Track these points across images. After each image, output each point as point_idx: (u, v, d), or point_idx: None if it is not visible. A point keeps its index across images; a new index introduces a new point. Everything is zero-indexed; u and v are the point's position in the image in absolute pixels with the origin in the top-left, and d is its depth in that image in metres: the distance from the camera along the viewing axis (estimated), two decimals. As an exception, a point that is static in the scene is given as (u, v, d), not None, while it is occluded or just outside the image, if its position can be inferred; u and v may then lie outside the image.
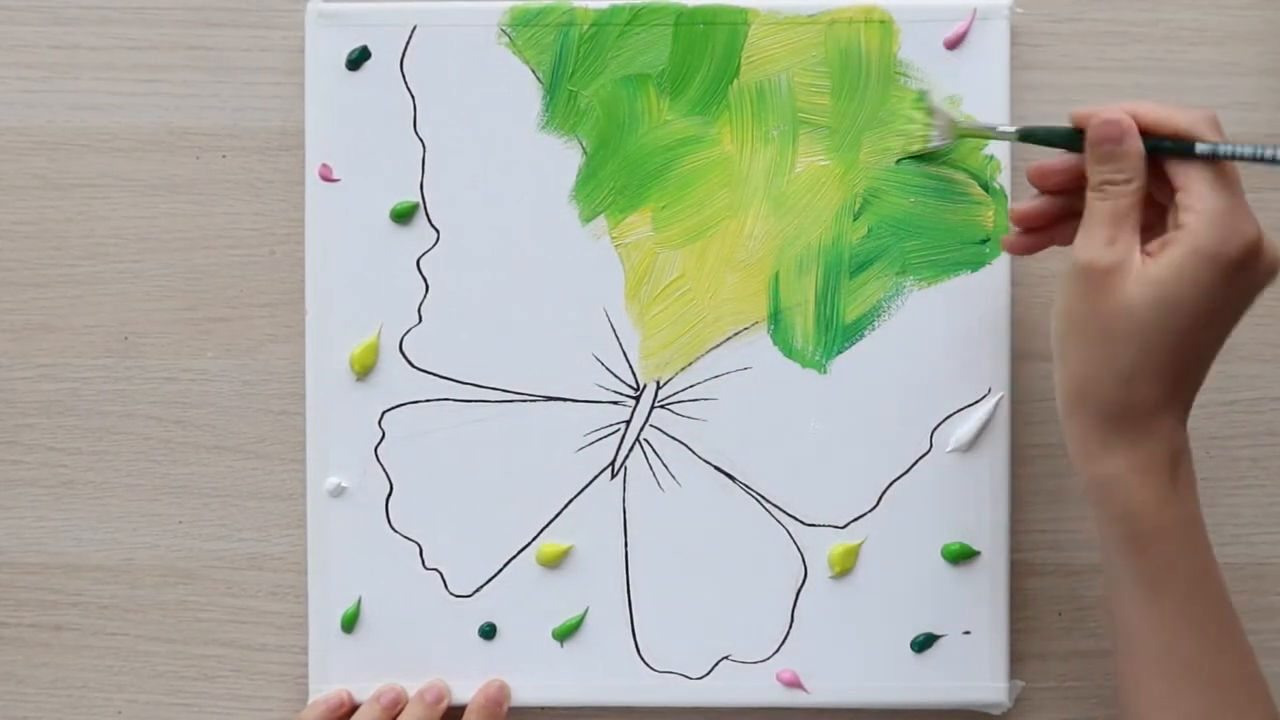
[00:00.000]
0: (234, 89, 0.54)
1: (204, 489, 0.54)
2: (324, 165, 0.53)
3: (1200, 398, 0.53)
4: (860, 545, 0.53)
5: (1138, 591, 0.43)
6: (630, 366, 0.53)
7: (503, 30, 0.53)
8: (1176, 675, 0.43)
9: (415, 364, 0.53)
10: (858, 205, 0.53)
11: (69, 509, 0.54)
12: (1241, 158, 0.42)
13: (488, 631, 0.53)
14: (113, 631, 0.55)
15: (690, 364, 0.53)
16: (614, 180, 0.53)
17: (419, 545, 0.53)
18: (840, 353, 0.53)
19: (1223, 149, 0.42)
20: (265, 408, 0.54)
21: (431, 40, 0.53)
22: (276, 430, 0.54)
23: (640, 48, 0.53)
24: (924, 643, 0.53)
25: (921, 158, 0.52)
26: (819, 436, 0.53)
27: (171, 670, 0.54)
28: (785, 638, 0.53)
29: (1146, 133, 0.43)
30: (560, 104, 0.53)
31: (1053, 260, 0.54)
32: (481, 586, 0.53)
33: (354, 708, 0.53)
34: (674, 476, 0.53)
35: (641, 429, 0.53)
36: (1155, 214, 0.44)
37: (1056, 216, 0.47)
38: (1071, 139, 0.44)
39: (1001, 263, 0.53)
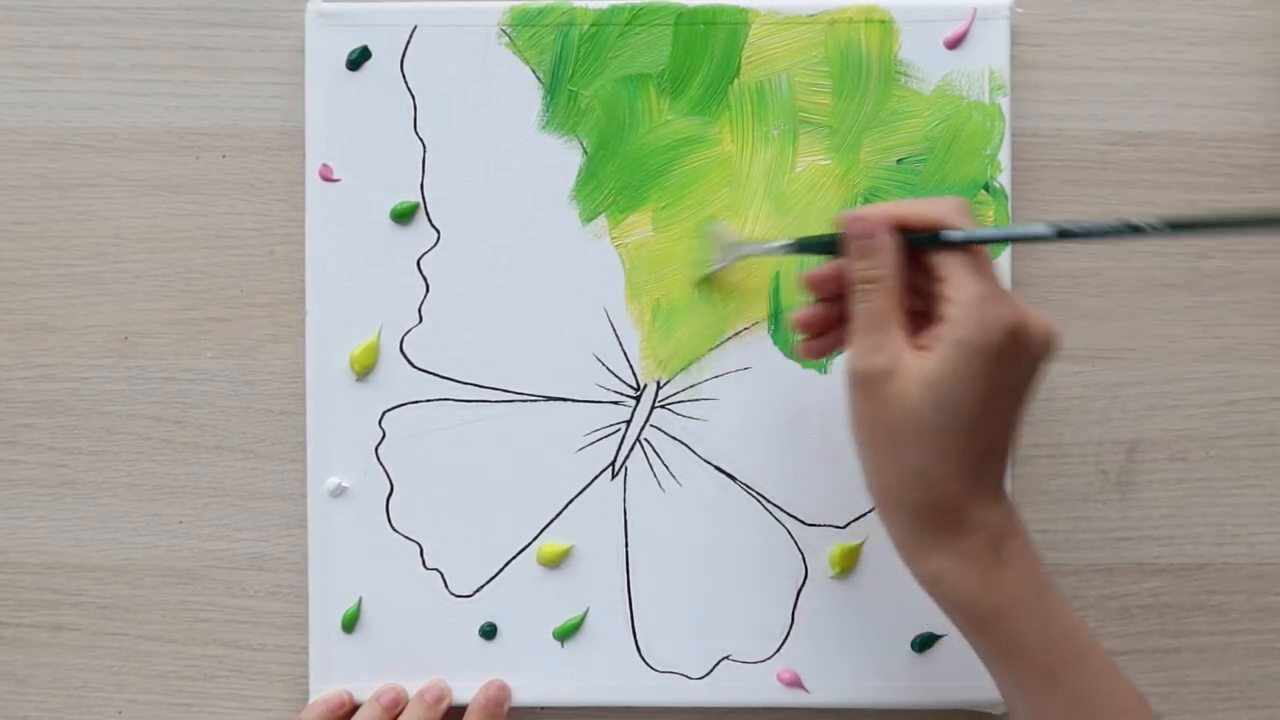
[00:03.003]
0: (234, 89, 0.54)
1: (204, 489, 0.54)
2: (324, 165, 0.53)
3: (1200, 398, 0.54)
4: (861, 545, 0.53)
5: (994, 665, 0.44)
6: (630, 366, 0.53)
7: (503, 30, 0.53)
8: None
9: (415, 364, 0.53)
10: (858, 205, 0.53)
11: (69, 509, 0.54)
12: (989, 240, 0.42)
13: (488, 631, 0.53)
14: (113, 631, 0.54)
15: (690, 364, 0.53)
16: (614, 180, 0.53)
17: (419, 545, 0.53)
18: (841, 353, 0.53)
19: (964, 235, 0.42)
20: (265, 408, 0.54)
21: (431, 40, 0.53)
22: (276, 430, 0.54)
23: (640, 48, 0.53)
24: (924, 643, 0.53)
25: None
26: (819, 436, 0.53)
27: (171, 670, 0.54)
28: (785, 638, 0.53)
29: (904, 228, 0.43)
30: (560, 104, 0.53)
31: (1054, 260, 0.54)
32: (482, 586, 0.53)
33: (354, 708, 0.53)
34: (674, 476, 0.53)
35: (642, 429, 0.53)
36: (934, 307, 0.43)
37: (838, 320, 0.46)
38: (836, 244, 0.44)
39: (1001, 263, 0.53)
